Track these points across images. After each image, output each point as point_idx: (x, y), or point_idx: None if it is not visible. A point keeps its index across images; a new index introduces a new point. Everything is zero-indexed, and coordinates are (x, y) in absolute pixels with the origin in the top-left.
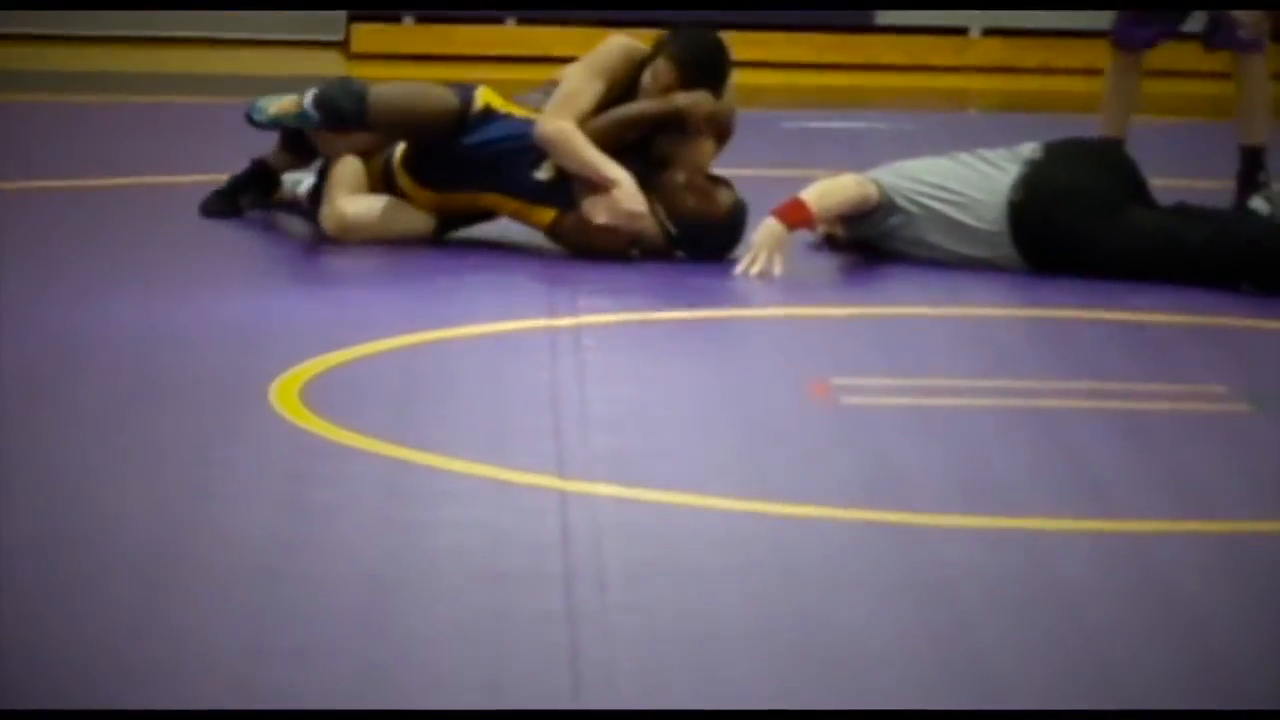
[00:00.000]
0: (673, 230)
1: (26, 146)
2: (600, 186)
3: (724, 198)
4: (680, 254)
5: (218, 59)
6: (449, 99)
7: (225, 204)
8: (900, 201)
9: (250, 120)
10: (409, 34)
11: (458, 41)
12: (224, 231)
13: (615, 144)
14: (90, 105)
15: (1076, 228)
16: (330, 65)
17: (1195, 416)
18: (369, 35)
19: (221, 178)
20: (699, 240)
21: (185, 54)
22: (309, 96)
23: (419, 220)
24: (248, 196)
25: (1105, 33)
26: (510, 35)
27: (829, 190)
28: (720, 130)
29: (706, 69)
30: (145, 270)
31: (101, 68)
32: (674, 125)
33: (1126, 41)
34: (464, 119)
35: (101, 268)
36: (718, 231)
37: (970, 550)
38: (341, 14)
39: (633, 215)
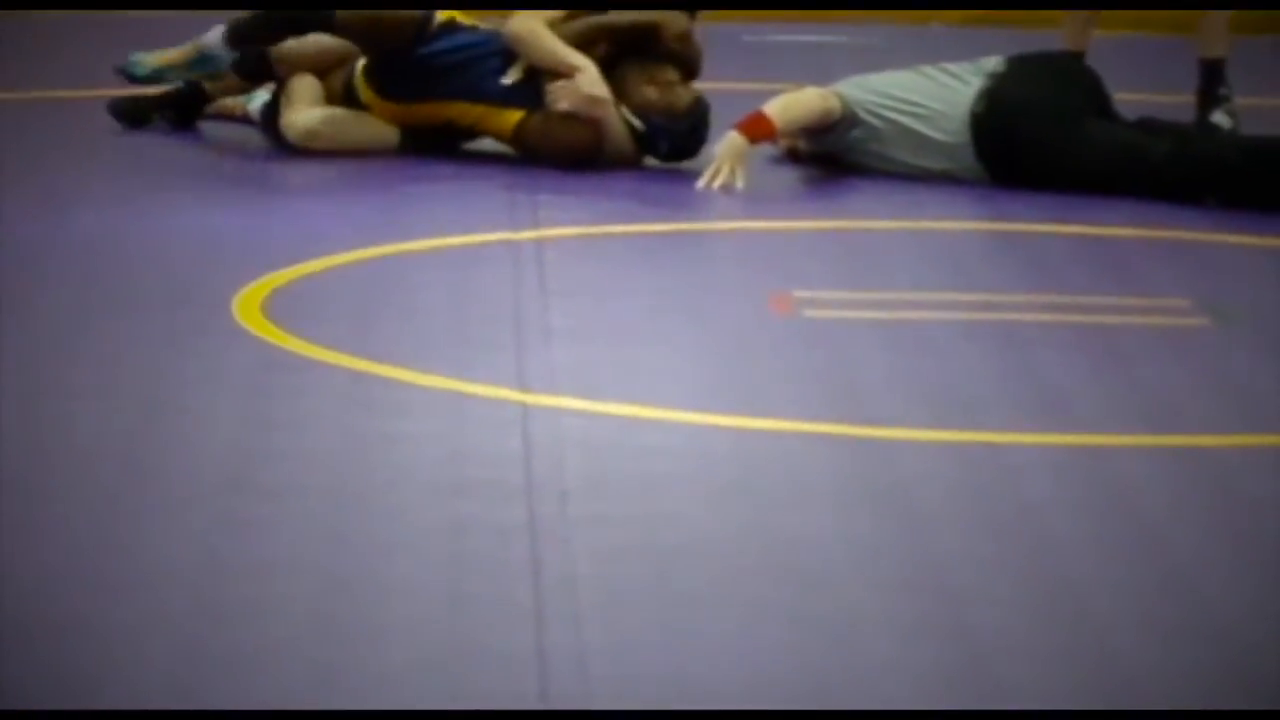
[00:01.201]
0: (637, 124)
1: None
2: (564, 76)
3: (686, 93)
4: (649, 160)
5: None
6: (411, 10)
7: (135, 109)
8: (862, 115)
9: (129, 77)
10: None
11: None
12: (180, 146)
13: (585, 50)
14: (47, 18)
15: (1038, 140)
16: None
17: (1157, 330)
18: None
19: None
20: (664, 135)
21: None
22: (213, 35)
23: (384, 131)
24: (165, 113)
25: None
26: None
27: (791, 103)
28: (688, 63)
29: None
30: (102, 183)
31: None
32: (644, 40)
33: None
34: (424, 29)
35: (56, 181)
36: (682, 126)
37: (932, 462)
38: None
39: (594, 99)
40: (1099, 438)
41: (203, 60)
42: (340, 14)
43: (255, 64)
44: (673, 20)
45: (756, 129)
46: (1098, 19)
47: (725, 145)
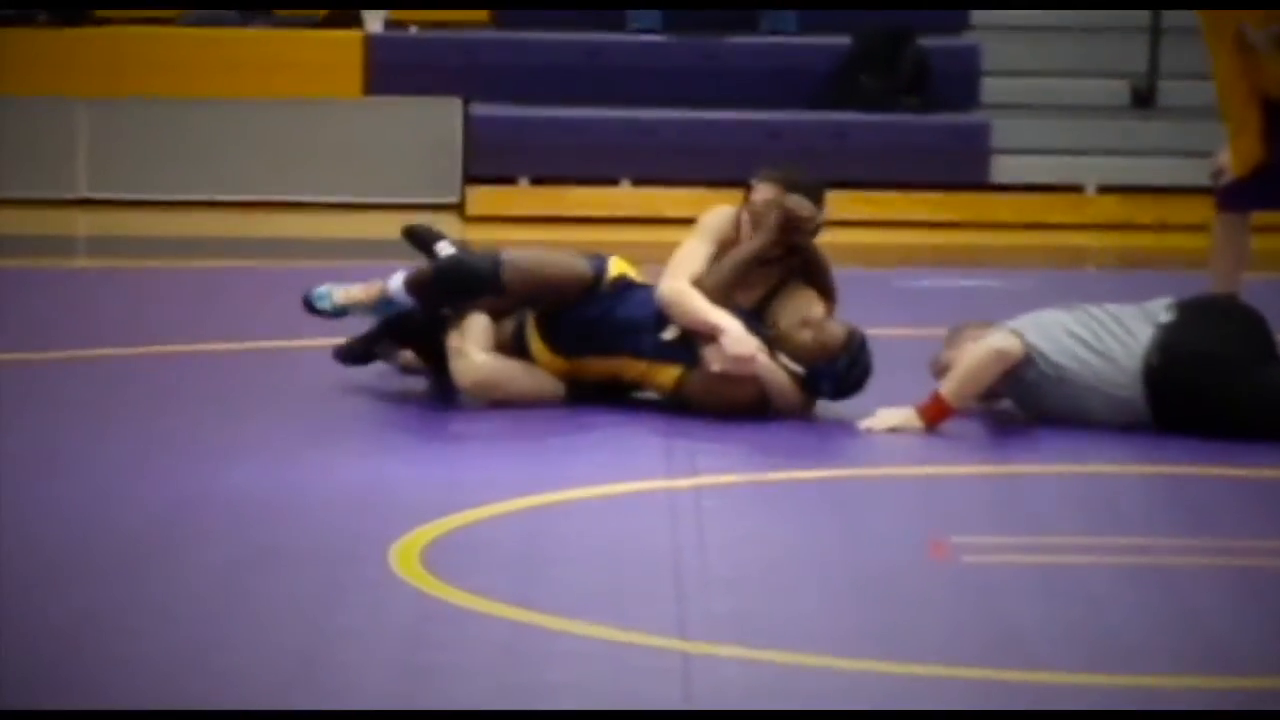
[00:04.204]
0: (797, 369)
1: (144, 312)
2: (714, 338)
3: (839, 328)
4: (819, 403)
5: (333, 223)
6: (582, 267)
7: (363, 349)
8: (1037, 359)
9: (310, 308)
10: (524, 196)
11: (572, 203)
12: (340, 394)
13: (739, 288)
14: (207, 270)
15: (1214, 391)
16: (447, 227)
17: None
18: (484, 197)
19: (340, 341)
20: (827, 375)
21: (302, 218)
22: (395, 280)
23: (551, 384)
24: (383, 344)
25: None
26: (624, 197)
27: (968, 380)
28: (823, 283)
29: (801, 179)
30: (263, 433)
31: (219, 233)
32: (784, 245)
33: (1230, 204)
34: (595, 288)
35: (219, 431)
36: (842, 363)
37: (1093, 708)
38: (457, 176)
39: (740, 359)
40: (1259, 681)
41: (386, 303)
42: (508, 274)
43: (413, 331)
44: (799, 204)
45: (937, 415)
46: (1248, 260)
47: (902, 422)
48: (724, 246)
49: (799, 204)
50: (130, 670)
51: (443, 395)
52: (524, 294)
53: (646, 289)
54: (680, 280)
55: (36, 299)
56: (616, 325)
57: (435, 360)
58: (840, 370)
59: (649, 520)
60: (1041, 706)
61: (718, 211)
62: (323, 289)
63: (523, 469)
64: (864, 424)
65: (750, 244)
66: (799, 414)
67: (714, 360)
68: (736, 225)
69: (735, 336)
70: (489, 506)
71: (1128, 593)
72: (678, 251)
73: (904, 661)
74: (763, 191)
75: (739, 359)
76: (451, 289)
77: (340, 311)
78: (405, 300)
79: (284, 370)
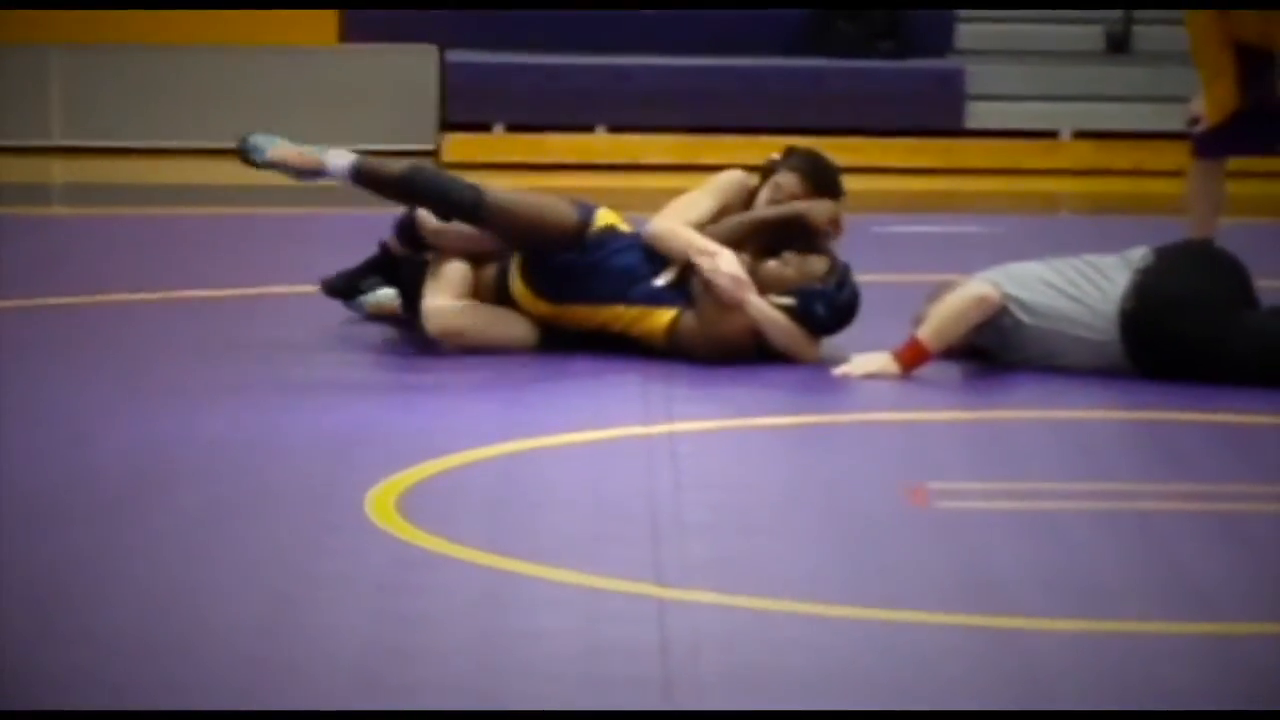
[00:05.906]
0: (789, 301)
1: (118, 259)
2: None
3: (820, 259)
4: (815, 345)
5: None
6: (568, 214)
7: (345, 284)
8: (1013, 308)
9: (244, 157)
10: (500, 143)
11: (548, 150)
12: (316, 341)
13: (735, 247)
14: (182, 217)
15: (1191, 335)
16: None
17: None
18: (460, 144)
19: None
20: (818, 298)
21: None
22: (337, 160)
23: (524, 330)
24: (369, 280)
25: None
26: (600, 143)
27: (946, 325)
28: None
29: (829, 179)
30: (239, 380)
31: (194, 180)
32: (794, 232)
33: (1206, 151)
34: (582, 237)
35: (196, 378)
36: (830, 285)
37: (1070, 652)
38: (433, 123)
39: (733, 278)
40: (1238, 626)
41: (315, 174)
42: (489, 209)
43: (412, 231)
44: (819, 208)
45: (914, 359)
46: (1224, 206)
47: (878, 367)
48: (727, 209)
49: (817, 209)
50: (109, 614)
51: (419, 343)
52: (503, 230)
53: (635, 237)
54: (674, 221)
55: (10, 246)
56: (607, 274)
57: (416, 306)
58: (830, 291)
59: (625, 466)
60: (1018, 652)
61: (732, 174)
62: (260, 138)
63: (499, 415)
64: (839, 370)
65: (763, 213)
66: (805, 354)
67: (706, 276)
68: (746, 194)
69: (728, 258)
70: (465, 453)
71: (1106, 538)
72: (679, 198)
73: (880, 607)
74: (788, 181)
75: (730, 278)
76: (421, 197)
77: (268, 166)
78: (341, 179)
79: (259, 317)
